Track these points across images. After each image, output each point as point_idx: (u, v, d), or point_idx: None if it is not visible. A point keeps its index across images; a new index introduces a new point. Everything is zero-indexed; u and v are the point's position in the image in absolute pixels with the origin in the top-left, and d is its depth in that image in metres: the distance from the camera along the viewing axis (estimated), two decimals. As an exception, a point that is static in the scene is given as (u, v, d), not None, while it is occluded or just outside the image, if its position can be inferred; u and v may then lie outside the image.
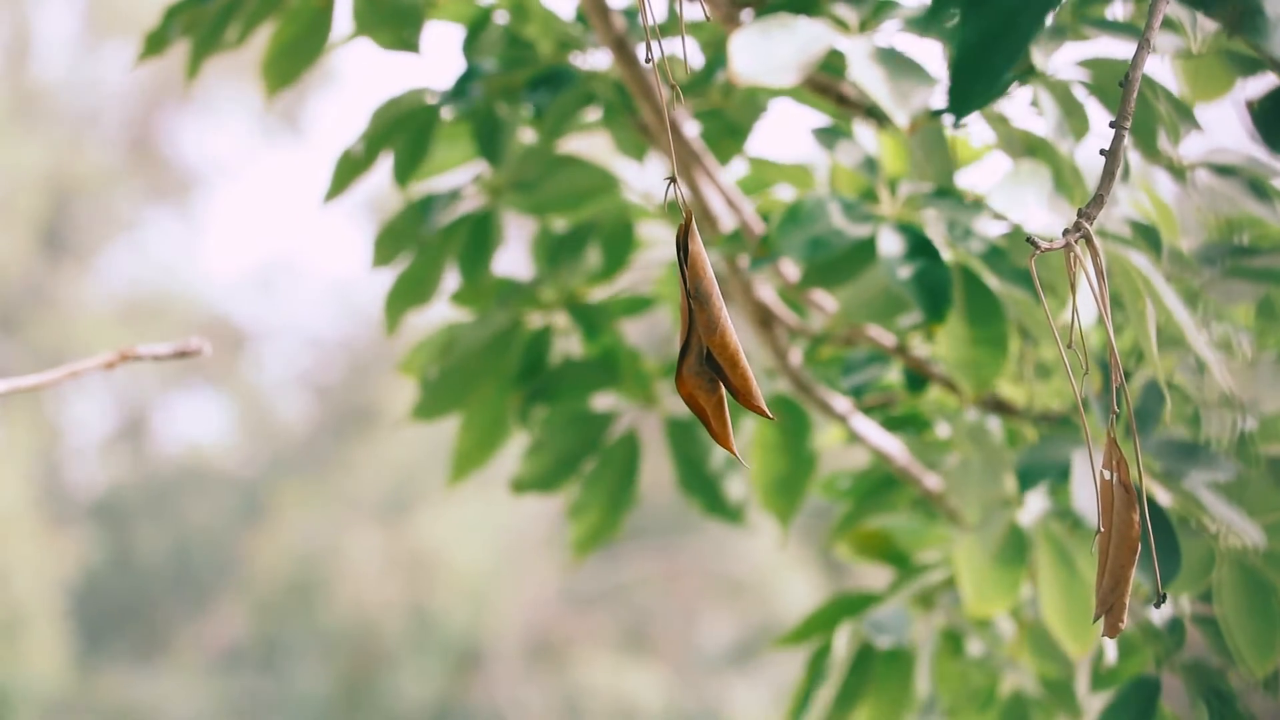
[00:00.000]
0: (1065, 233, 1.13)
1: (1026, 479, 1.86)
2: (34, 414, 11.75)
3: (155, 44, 2.08)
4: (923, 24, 1.84)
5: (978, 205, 1.85)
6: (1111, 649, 2.01)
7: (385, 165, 2.18)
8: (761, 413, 1.17)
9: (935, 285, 1.80)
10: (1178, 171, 1.81)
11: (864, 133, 2.09)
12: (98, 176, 12.87)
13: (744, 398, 1.18)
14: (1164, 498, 1.79)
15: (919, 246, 1.82)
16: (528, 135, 2.20)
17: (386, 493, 12.18)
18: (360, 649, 11.77)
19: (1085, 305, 1.67)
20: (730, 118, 2.15)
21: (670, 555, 11.85)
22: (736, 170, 2.22)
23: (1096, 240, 1.14)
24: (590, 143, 2.30)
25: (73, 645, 11.36)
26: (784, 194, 2.23)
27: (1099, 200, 1.14)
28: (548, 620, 11.99)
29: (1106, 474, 1.18)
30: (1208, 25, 1.65)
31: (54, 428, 12.32)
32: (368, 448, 12.31)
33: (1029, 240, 1.13)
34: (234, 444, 13.31)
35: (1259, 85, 1.62)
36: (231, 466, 13.01)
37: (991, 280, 1.86)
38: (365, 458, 12.33)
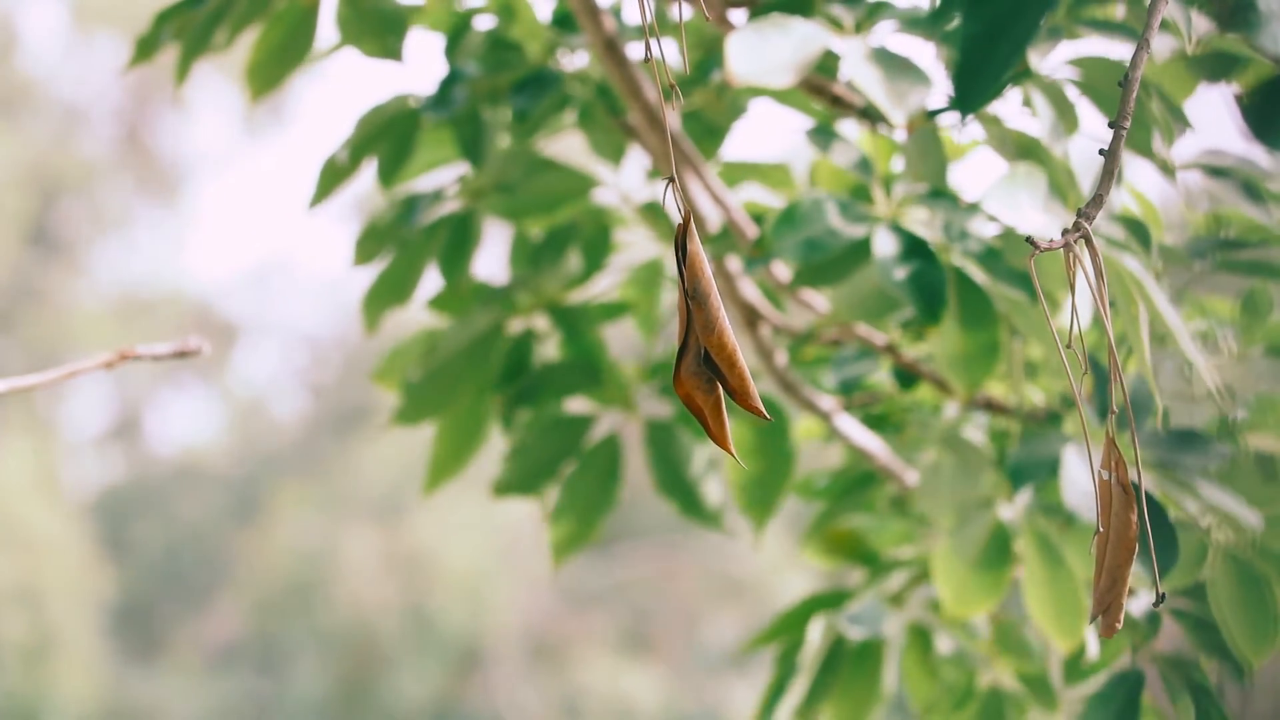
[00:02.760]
0: (1065, 233, 1.13)
1: (1018, 477, 1.87)
2: (28, 413, 11.74)
3: (146, 49, 2.07)
4: (925, 27, 1.84)
5: (973, 206, 1.85)
6: (1094, 644, 2.01)
7: (372, 167, 2.18)
8: (758, 413, 1.18)
9: (930, 286, 1.80)
10: (1170, 172, 1.81)
11: (854, 133, 2.09)
12: (86, 172, 12.86)
13: (741, 398, 1.18)
14: (1154, 486, 1.79)
15: (914, 247, 1.82)
16: (508, 138, 2.20)
17: (382, 492, 12.18)
18: (358, 649, 11.77)
19: (1083, 305, 1.68)
20: (709, 119, 2.16)
21: (669, 555, 11.85)
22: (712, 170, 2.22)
23: (1096, 240, 1.14)
24: (567, 145, 2.30)
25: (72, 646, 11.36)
26: (759, 194, 2.23)
27: (1098, 200, 1.14)
28: (546, 620, 11.99)
29: (1104, 474, 1.18)
30: (1202, 25, 1.65)
31: (48, 426, 12.31)
32: (363, 447, 12.31)
33: (1028, 240, 1.13)
34: (228, 443, 13.31)
35: (1248, 79, 1.62)
36: (226, 466, 13.01)
37: (985, 281, 1.86)
38: (360, 457, 12.32)
